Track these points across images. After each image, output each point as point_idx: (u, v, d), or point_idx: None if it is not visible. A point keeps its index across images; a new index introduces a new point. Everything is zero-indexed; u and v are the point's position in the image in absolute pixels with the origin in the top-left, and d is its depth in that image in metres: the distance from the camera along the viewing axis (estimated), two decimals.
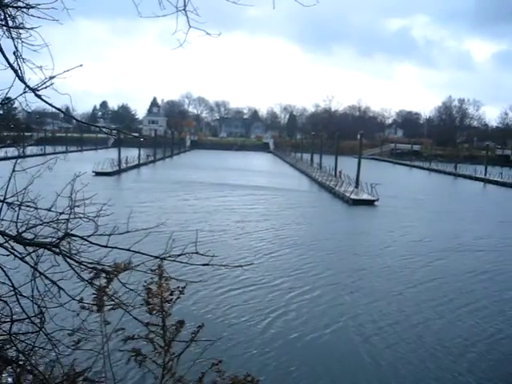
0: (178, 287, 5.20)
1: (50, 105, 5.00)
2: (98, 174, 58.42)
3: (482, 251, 27.27)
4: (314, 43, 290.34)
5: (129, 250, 5.42)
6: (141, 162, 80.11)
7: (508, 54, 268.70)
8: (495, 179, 78.58)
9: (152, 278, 5.21)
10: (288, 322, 15.61)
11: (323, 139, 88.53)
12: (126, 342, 5.29)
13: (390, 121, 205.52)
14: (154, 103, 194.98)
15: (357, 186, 50.93)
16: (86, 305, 5.31)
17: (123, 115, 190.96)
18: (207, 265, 5.55)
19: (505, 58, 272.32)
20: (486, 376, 12.60)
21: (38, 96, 4.80)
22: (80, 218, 5.37)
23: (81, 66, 5.09)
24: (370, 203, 43.76)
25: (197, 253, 5.33)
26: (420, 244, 28.30)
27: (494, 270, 23.31)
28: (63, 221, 5.28)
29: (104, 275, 5.12)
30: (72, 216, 5.29)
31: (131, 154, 75.30)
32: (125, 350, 5.64)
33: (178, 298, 5.27)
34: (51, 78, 4.78)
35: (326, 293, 18.62)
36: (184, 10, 5.30)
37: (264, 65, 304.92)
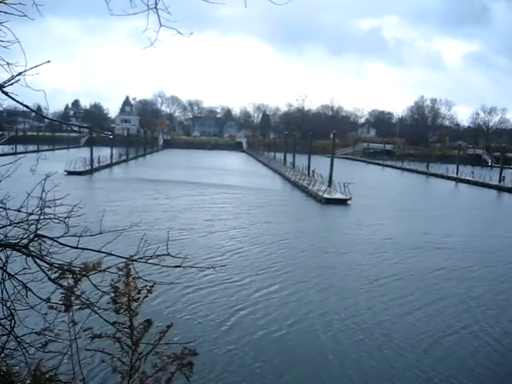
0: (146, 286, 5.17)
1: (17, 102, 4.93)
2: (70, 173, 57.90)
3: (449, 249, 27.58)
4: (286, 42, 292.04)
5: (99, 251, 5.37)
6: (113, 161, 79.56)
7: (478, 55, 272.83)
8: (467, 178, 79.61)
9: (119, 277, 5.18)
10: (255, 320, 15.60)
11: (296, 138, 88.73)
12: (92, 339, 5.26)
13: (362, 120, 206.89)
14: (126, 102, 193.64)
15: (330, 186, 51.16)
16: (54, 305, 5.26)
17: (95, 114, 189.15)
18: (179, 266, 5.51)
19: (475, 58, 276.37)
20: (450, 373, 12.68)
21: (5, 93, 4.73)
22: (50, 218, 5.31)
23: (48, 62, 5.02)
24: (343, 202, 43.95)
25: (168, 254, 5.30)
26: (389, 242, 28.50)
27: (460, 267, 23.54)
28: (33, 221, 5.21)
29: (71, 276, 5.07)
30: (42, 217, 5.23)
31: (104, 153, 74.80)
32: (92, 349, 5.60)
33: (146, 297, 5.25)
34: (18, 74, 4.71)
35: (294, 291, 18.65)
36: (155, 8, 5.27)
37: (237, 64, 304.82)
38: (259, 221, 33.60)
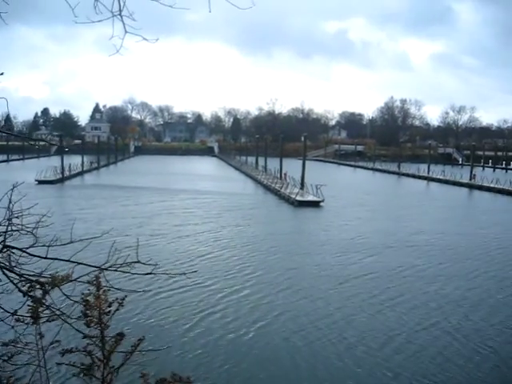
0: (117, 299, 5.10)
1: None
2: (40, 182, 57.31)
3: (418, 247, 27.78)
4: (253, 46, 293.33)
5: (69, 260, 5.31)
6: (84, 169, 78.88)
7: (444, 55, 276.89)
8: (438, 177, 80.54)
9: (89, 290, 5.10)
10: (214, 321, 15.61)
11: (268, 142, 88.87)
12: (63, 355, 5.16)
13: (333, 122, 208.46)
14: (96, 109, 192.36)
15: (302, 188, 51.32)
16: (21, 318, 5.17)
17: (65, 122, 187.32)
18: (150, 274, 5.47)
19: (442, 58, 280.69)
20: (419, 370, 12.71)
21: None
22: (17, 230, 5.23)
23: (1, 74, 4.98)
24: (315, 204, 44.09)
25: (138, 262, 5.25)
26: (359, 242, 28.63)
27: (422, 264, 23.73)
28: (1, 233, 5.14)
29: (39, 287, 5.00)
30: (10, 228, 5.15)
31: (74, 162, 74.13)
32: (63, 363, 5.52)
33: (117, 310, 5.19)
34: None
35: (256, 292, 18.67)
36: (120, 15, 5.22)
37: (205, 69, 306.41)
38: (230, 225, 33.56)
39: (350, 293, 18.97)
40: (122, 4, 5.15)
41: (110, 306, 5.17)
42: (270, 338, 14.55)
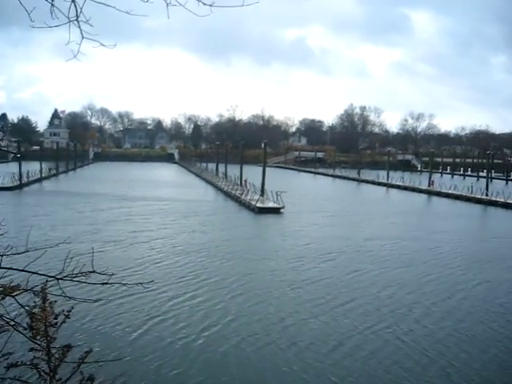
0: (63, 310, 5.01)
1: None
2: None
3: (369, 252, 28.07)
4: (212, 53, 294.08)
5: (24, 270, 5.21)
6: (43, 175, 77.59)
7: (402, 63, 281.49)
8: (397, 183, 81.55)
9: (35, 302, 4.99)
10: (165, 328, 15.54)
11: (228, 148, 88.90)
12: (8, 369, 5.04)
13: (293, 129, 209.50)
14: (55, 115, 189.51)
15: (262, 195, 51.38)
16: None
17: (23, 128, 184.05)
18: (106, 283, 5.39)
19: (399, 66, 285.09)
20: (348, 374, 12.77)
21: None
22: None
23: None
24: (275, 211, 44.18)
25: (94, 271, 5.18)
26: (313, 247, 28.86)
27: (375, 270, 23.97)
28: None
29: None
30: None
31: (33, 168, 73.01)
32: (8, 377, 5.39)
33: (64, 322, 5.09)
34: None
35: (209, 298, 18.64)
36: (76, 20, 5.17)
37: (165, 75, 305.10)
38: (186, 231, 33.48)
39: (303, 298, 19.03)
40: (78, 10, 5.11)
41: (56, 318, 5.07)
42: (219, 344, 14.48)
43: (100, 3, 5.14)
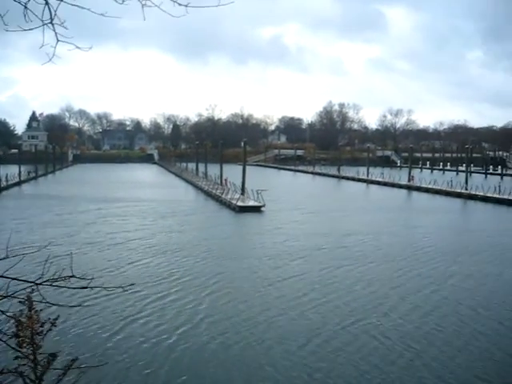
0: (50, 319, 4.98)
1: None
2: None
3: (345, 248, 28.28)
4: (189, 53, 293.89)
5: (3, 276, 5.17)
6: (22, 179, 76.82)
7: (379, 59, 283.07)
8: (377, 179, 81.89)
9: (20, 310, 4.94)
10: (137, 328, 15.53)
11: (207, 148, 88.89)
12: None
13: (272, 127, 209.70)
14: (33, 118, 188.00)
15: (243, 194, 51.35)
16: None
17: (1, 131, 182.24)
18: (86, 288, 5.37)
19: (376, 62, 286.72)
20: (315, 369, 12.84)
21: None
22: None
23: None
24: (256, 209, 44.15)
25: (73, 276, 5.15)
26: (288, 244, 28.97)
27: (350, 265, 24.08)
28: None
29: None
30: None
31: (11, 171, 72.48)
32: None
33: (50, 330, 5.05)
34: None
35: (182, 297, 18.67)
36: (51, 23, 5.14)
37: (143, 76, 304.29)
38: (164, 231, 33.48)
39: (275, 295, 19.11)
40: (53, 12, 5.07)
41: (42, 327, 5.02)
42: (190, 342, 14.50)
43: (74, 5, 5.11)
